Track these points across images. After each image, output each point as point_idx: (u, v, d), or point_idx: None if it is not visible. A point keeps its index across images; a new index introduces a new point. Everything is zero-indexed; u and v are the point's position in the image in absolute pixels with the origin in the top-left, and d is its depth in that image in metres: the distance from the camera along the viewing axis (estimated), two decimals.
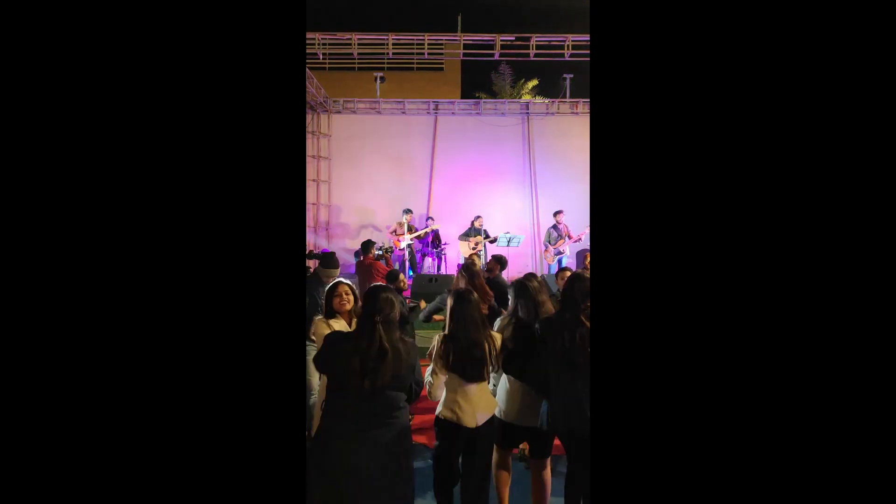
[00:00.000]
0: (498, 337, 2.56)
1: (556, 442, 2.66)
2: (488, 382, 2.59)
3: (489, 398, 2.58)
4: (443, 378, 2.46)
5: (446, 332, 2.51)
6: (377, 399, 1.99)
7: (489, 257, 5.90)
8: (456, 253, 9.19)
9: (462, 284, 3.60)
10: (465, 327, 2.45)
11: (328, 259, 4.23)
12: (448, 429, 2.49)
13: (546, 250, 8.50)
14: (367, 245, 5.69)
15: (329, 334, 2.18)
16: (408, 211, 8.90)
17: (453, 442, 2.50)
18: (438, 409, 2.52)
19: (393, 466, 2.00)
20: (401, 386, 2.07)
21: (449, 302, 2.55)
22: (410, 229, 8.81)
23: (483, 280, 3.87)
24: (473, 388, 2.48)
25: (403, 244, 8.66)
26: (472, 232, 8.62)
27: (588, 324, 2.40)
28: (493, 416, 2.56)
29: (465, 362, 2.44)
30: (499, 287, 4.20)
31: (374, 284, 2.22)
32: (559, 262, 8.22)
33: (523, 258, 9.89)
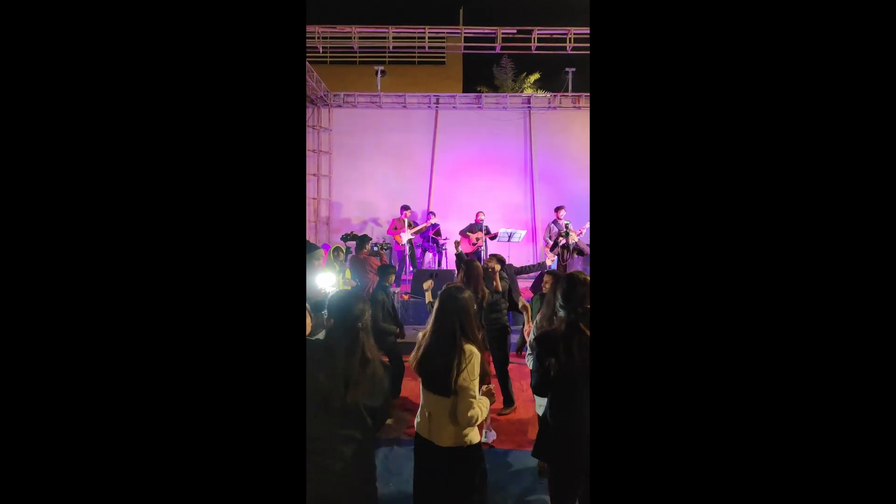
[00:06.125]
0: (476, 353, 2.11)
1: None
2: (455, 398, 2.09)
3: (460, 419, 2.07)
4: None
5: (427, 329, 2.19)
6: (350, 416, 1.82)
7: (488, 253, 5.88)
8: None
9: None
10: (440, 330, 2.13)
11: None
12: (418, 443, 2.21)
13: (546, 246, 8.46)
14: (363, 240, 5.65)
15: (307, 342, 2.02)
16: (406, 207, 8.86)
17: (422, 460, 2.20)
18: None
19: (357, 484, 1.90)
20: (373, 406, 1.88)
21: (435, 300, 2.25)
22: (410, 225, 8.78)
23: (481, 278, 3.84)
24: (438, 403, 2.12)
25: (405, 240, 8.63)
26: (475, 227, 8.59)
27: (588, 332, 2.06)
28: (470, 446, 2.13)
29: (428, 369, 2.13)
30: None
31: (340, 290, 2.09)
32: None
33: (524, 254, 9.86)
